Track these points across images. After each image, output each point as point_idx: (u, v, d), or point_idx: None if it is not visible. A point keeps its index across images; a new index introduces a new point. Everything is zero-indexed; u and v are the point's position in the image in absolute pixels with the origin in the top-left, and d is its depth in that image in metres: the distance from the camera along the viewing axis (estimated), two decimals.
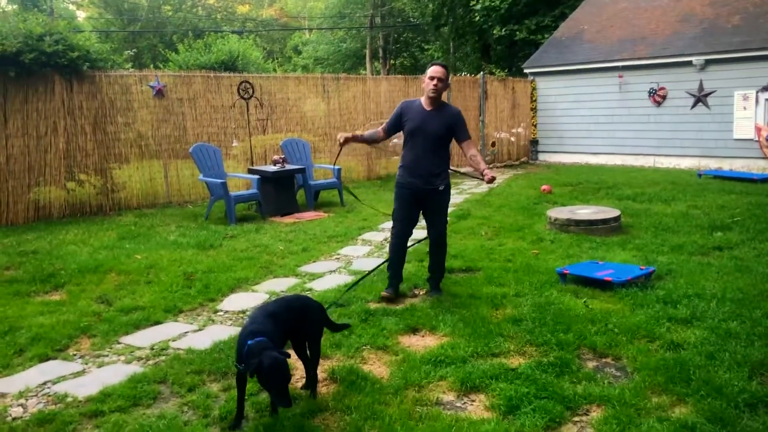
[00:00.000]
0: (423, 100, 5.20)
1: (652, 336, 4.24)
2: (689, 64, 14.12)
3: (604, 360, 3.98)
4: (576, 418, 3.27)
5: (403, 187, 5.24)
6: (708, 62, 13.91)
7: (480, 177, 5.13)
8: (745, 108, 13.46)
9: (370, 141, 5.49)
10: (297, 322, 3.51)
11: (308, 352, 3.60)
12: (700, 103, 14.14)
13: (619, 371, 3.81)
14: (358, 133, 5.41)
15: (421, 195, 5.19)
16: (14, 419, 3.41)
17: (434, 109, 5.15)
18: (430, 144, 5.12)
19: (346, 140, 5.20)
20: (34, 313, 5.06)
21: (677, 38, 14.87)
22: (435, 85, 5.05)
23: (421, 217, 5.37)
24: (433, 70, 5.11)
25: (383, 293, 5.24)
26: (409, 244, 5.49)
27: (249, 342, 3.12)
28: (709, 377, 3.55)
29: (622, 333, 4.28)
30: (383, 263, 5.64)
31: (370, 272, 5.69)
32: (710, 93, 13.96)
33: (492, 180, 4.96)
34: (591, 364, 3.91)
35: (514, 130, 16.89)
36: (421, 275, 5.74)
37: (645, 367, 3.76)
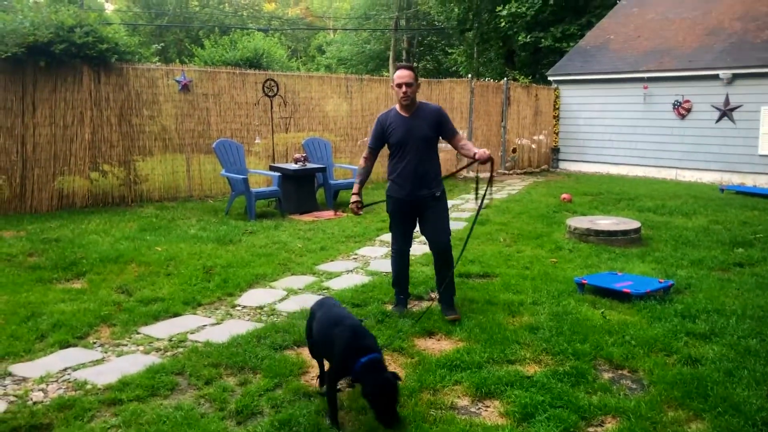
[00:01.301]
0: (398, 107, 4.84)
1: (670, 350, 4.22)
2: (716, 77, 13.97)
3: (620, 372, 3.97)
4: (591, 429, 3.26)
5: (397, 200, 4.87)
6: (735, 76, 13.76)
7: (474, 159, 4.67)
8: None
9: (367, 175, 4.99)
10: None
11: None
12: (726, 117, 13.98)
13: (635, 384, 3.79)
14: (356, 188, 4.87)
15: (417, 204, 4.84)
16: (35, 404, 3.48)
17: (413, 113, 4.80)
18: (421, 150, 4.77)
19: (358, 204, 4.83)
20: (55, 300, 5.15)
21: (704, 51, 14.72)
22: (404, 93, 4.66)
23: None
24: (398, 76, 4.67)
25: (392, 310, 5.00)
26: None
27: (362, 360, 3.10)
28: (726, 394, 3.52)
29: (639, 345, 4.26)
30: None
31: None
32: (736, 107, 13.81)
33: (486, 159, 4.54)
34: (607, 376, 3.90)
35: (535, 138, 16.82)
36: None
37: (662, 380, 3.74)
